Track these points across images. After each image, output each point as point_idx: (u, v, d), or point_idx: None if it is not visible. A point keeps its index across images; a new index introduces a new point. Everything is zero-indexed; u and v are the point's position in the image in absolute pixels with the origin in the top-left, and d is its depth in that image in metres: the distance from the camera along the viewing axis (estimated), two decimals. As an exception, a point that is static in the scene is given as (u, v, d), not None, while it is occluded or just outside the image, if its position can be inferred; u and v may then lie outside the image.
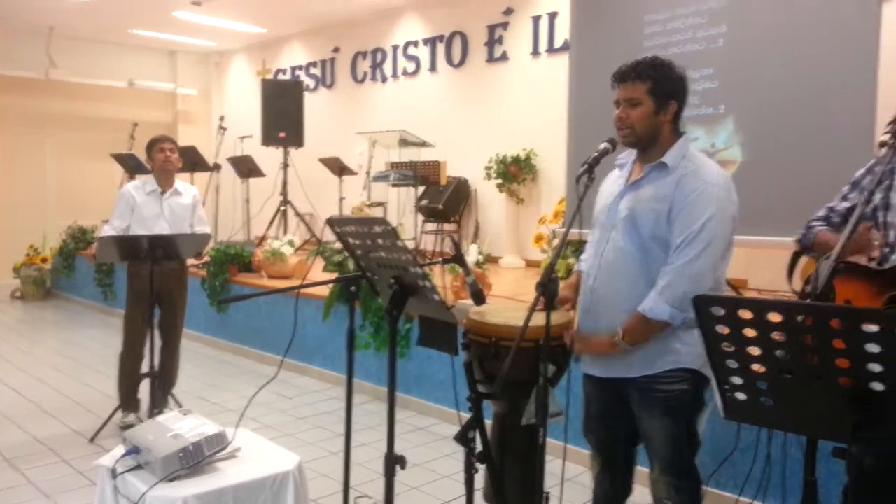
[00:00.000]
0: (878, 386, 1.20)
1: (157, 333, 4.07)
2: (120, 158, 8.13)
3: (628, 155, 2.41)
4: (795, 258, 2.33)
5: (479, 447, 2.42)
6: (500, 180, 7.14)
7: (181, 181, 4.43)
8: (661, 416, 2.25)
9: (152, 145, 4.29)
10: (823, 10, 3.97)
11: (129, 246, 3.93)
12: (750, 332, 1.22)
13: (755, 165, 4.28)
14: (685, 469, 2.35)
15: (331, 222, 2.06)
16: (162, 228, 4.20)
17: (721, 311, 1.22)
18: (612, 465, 2.51)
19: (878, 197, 2.05)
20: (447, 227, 7.68)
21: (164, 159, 4.23)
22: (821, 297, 1.55)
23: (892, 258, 2.02)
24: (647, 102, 2.22)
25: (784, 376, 1.27)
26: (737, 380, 1.32)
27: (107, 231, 4.23)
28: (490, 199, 7.58)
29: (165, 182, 4.30)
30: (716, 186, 2.20)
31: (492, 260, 6.70)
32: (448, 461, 3.74)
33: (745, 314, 1.21)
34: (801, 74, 4.06)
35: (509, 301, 4.76)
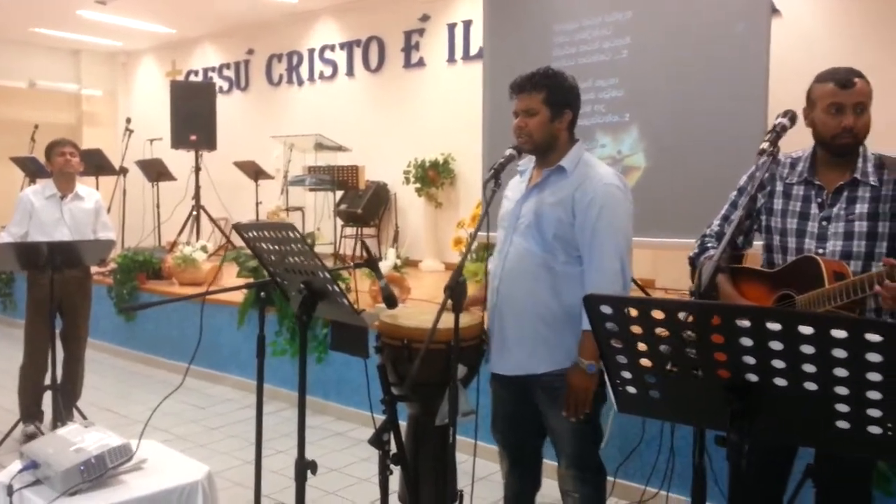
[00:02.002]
0: (752, 377, 1.30)
1: (59, 344, 3.91)
2: (20, 162, 7.72)
3: (528, 162, 2.51)
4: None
5: (393, 449, 2.45)
6: (418, 185, 7.19)
7: (83, 185, 4.28)
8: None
9: (52, 148, 4.13)
10: (720, 25, 4.21)
11: (27, 253, 3.75)
12: (636, 329, 1.30)
13: (658, 170, 4.48)
14: (590, 462, 2.46)
15: (238, 227, 2.05)
16: (63, 235, 4.03)
17: (609, 310, 1.30)
18: (519, 462, 2.59)
19: (760, 202, 2.20)
20: (366, 231, 7.66)
21: (64, 163, 4.08)
22: (704, 295, 1.66)
23: (778, 260, 2.17)
24: (543, 111, 2.32)
25: (669, 370, 1.35)
26: (627, 374, 1.40)
27: (3, 238, 4.02)
28: (409, 204, 7.62)
29: (66, 186, 4.14)
30: (613, 186, 2.33)
31: (411, 264, 6.72)
32: (365, 465, 3.75)
33: (632, 312, 1.28)
34: (699, 85, 4.28)
35: (427, 304, 4.80)
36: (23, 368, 4.12)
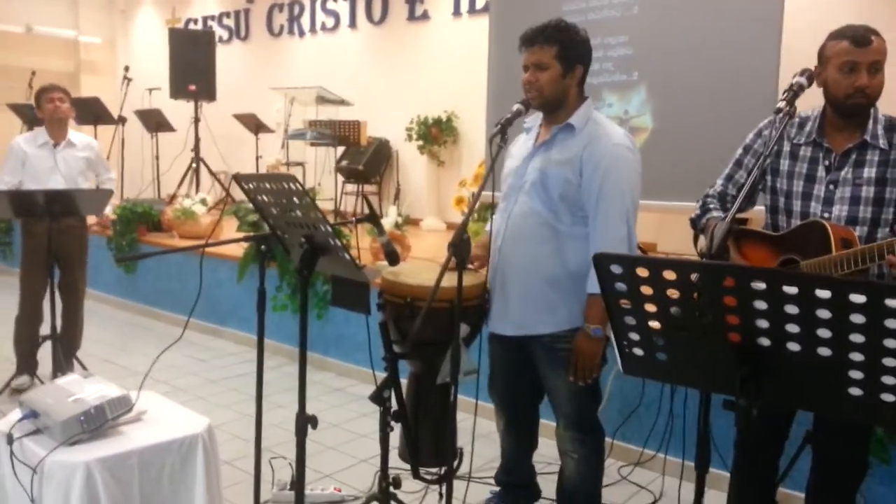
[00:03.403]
0: (764, 341, 1.27)
1: (57, 295, 3.89)
2: (17, 109, 7.60)
3: (535, 119, 2.45)
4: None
5: (394, 406, 2.45)
6: (421, 142, 7.10)
7: (77, 132, 4.21)
8: (565, 373, 2.33)
9: (41, 95, 4.05)
10: (734, -20, 4.09)
11: (23, 201, 3.70)
12: (646, 290, 1.27)
13: (666, 132, 4.40)
14: (589, 423, 2.46)
15: (238, 178, 2.00)
16: (56, 183, 3.98)
17: (619, 269, 1.27)
18: (516, 421, 2.60)
19: (767, 161, 2.15)
20: (368, 188, 7.60)
21: (54, 109, 4.00)
22: (715, 256, 1.62)
23: (782, 223, 2.13)
24: (555, 66, 2.25)
25: (679, 332, 1.32)
26: (634, 336, 1.37)
27: None
28: (411, 161, 7.53)
29: (58, 134, 4.07)
30: (622, 147, 2.27)
31: (413, 222, 6.67)
32: (366, 421, 3.77)
33: (642, 272, 1.25)
34: (710, 43, 4.17)
35: (428, 262, 4.78)
36: (17, 318, 4.12)
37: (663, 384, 3.08)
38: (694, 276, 1.25)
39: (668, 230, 5.32)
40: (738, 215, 2.26)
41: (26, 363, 4.09)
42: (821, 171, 2.06)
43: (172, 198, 7.16)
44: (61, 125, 4.08)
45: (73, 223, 4.05)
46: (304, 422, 2.13)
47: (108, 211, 4.72)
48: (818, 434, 2.14)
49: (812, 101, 2.13)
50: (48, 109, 4.01)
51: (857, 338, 1.16)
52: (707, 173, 2.36)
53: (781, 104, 1.89)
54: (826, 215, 2.02)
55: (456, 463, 2.57)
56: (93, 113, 6.99)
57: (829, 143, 2.06)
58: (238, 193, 7.63)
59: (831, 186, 2.03)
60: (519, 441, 2.62)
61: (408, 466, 2.56)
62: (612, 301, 1.34)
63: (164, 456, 2.17)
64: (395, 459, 2.57)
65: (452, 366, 2.06)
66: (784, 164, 2.13)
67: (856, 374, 1.21)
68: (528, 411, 2.61)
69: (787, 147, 2.13)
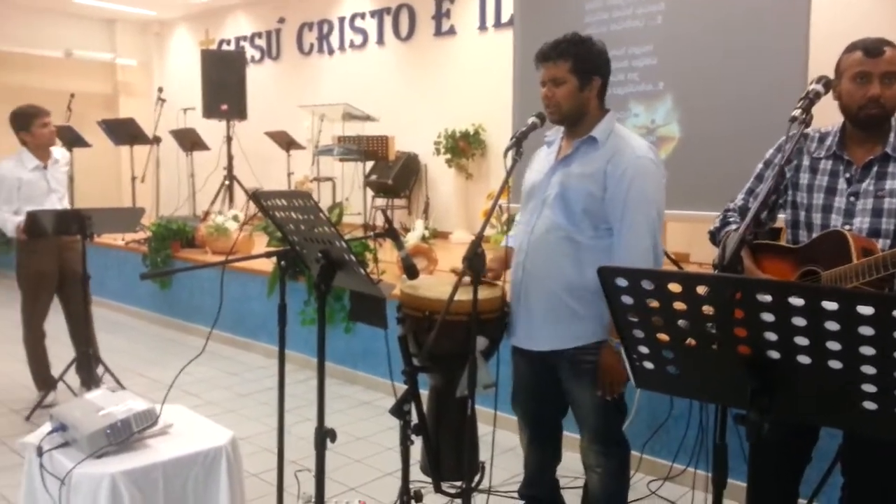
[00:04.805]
0: (774, 354, 1.25)
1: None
2: (57, 131, 7.84)
3: (556, 132, 2.44)
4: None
5: (414, 420, 2.45)
6: (448, 156, 7.13)
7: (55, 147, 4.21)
8: (590, 386, 2.31)
9: (32, 118, 3.93)
10: (759, -11, 4.05)
11: (62, 220, 3.76)
12: (653, 303, 1.26)
13: (693, 141, 4.36)
14: (613, 437, 2.43)
15: (255, 196, 2.04)
16: (52, 203, 4.02)
17: (624, 282, 1.26)
18: (539, 435, 2.58)
19: (787, 176, 2.12)
20: (397, 202, 7.66)
21: (51, 134, 4.02)
22: (727, 268, 1.60)
23: (803, 237, 2.10)
24: (571, 80, 2.25)
25: (687, 345, 1.31)
26: (644, 349, 1.36)
27: (3, 217, 3.93)
28: (440, 175, 7.58)
29: (45, 155, 4.06)
30: (646, 159, 2.25)
31: (441, 235, 6.72)
32: (392, 434, 3.74)
33: (647, 284, 1.24)
34: (736, 51, 4.13)
35: (448, 276, 4.79)
36: (28, 339, 4.09)
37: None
38: (702, 290, 1.23)
39: (701, 240, 5.24)
40: (759, 229, 2.24)
41: (45, 380, 4.11)
42: (841, 184, 2.03)
43: (206, 215, 7.30)
44: (49, 147, 4.07)
45: (76, 238, 3.95)
46: (324, 435, 2.14)
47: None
48: (848, 452, 2.08)
49: (834, 116, 2.10)
50: (45, 135, 3.97)
51: (867, 350, 1.13)
52: (737, 182, 2.33)
53: (797, 112, 1.86)
54: (847, 227, 1.98)
55: (478, 477, 2.56)
56: (128, 133, 7.17)
57: (849, 156, 2.03)
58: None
59: (852, 198, 2.00)
60: (542, 455, 2.60)
61: (430, 480, 2.55)
62: (620, 314, 1.33)
63: (188, 468, 2.22)
64: (418, 473, 2.57)
65: (469, 379, 2.06)
66: (804, 178, 2.10)
67: (869, 388, 1.18)
68: (551, 425, 2.59)
69: (806, 161, 2.11)
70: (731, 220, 2.21)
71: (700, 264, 5.19)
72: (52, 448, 2.17)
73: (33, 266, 4.03)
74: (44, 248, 3.93)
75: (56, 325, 4.26)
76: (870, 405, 1.21)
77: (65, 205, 4.18)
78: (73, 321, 4.14)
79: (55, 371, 4.16)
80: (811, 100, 1.89)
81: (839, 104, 2.02)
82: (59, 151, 4.22)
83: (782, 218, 2.24)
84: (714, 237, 2.21)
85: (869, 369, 1.16)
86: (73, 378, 4.16)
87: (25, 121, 3.94)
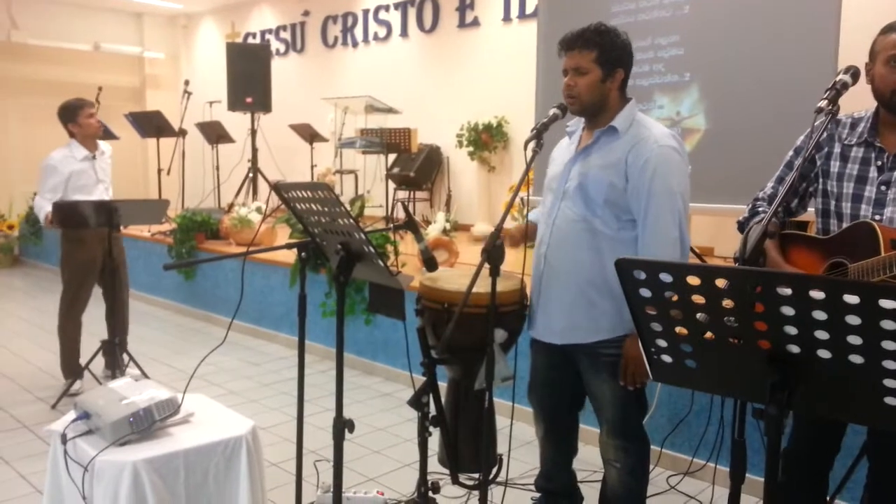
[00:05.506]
0: (794, 349, 1.23)
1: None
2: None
3: (577, 123, 2.42)
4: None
5: (432, 411, 2.46)
6: (471, 148, 7.11)
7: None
8: (610, 379, 2.29)
9: (78, 110, 4.11)
10: (788, -22, 3.97)
11: (102, 212, 3.82)
12: (672, 296, 1.24)
13: (720, 133, 4.30)
14: (633, 431, 2.41)
15: (276, 187, 2.05)
16: (101, 193, 4.14)
17: (643, 275, 1.24)
18: (554, 429, 2.56)
19: (817, 164, 2.07)
20: (419, 195, 7.66)
21: (97, 125, 4.15)
22: (749, 260, 1.57)
23: (833, 227, 2.05)
24: (595, 71, 2.22)
25: (706, 339, 1.29)
26: (662, 342, 1.34)
27: (42, 204, 4.04)
28: (462, 167, 7.56)
29: (93, 145, 4.21)
30: (668, 147, 2.21)
31: (463, 227, 6.71)
32: (411, 425, 3.78)
33: (666, 277, 1.22)
34: (764, 42, 4.06)
35: (467, 268, 4.78)
36: (64, 329, 4.20)
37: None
38: (721, 283, 1.21)
39: (727, 234, 5.18)
40: (796, 219, 2.19)
41: (73, 369, 4.19)
42: (872, 172, 1.97)
43: (230, 207, 7.37)
44: (96, 138, 4.23)
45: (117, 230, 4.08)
46: (342, 426, 2.15)
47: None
48: (873, 448, 2.05)
49: (866, 102, 2.05)
50: (91, 125, 4.13)
51: (889, 345, 1.11)
52: (764, 174, 2.29)
53: (823, 103, 1.82)
54: (877, 217, 1.93)
55: (495, 469, 2.56)
56: (154, 126, 7.26)
57: (881, 143, 1.97)
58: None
59: (883, 188, 1.94)
60: (558, 448, 2.58)
61: (448, 472, 2.56)
62: (638, 307, 1.32)
63: (209, 457, 2.24)
64: (435, 465, 2.57)
65: (487, 371, 2.05)
66: (834, 166, 2.05)
67: (891, 383, 1.16)
68: (566, 420, 2.58)
69: (837, 148, 2.05)
70: (759, 209, 2.16)
71: (724, 258, 5.12)
72: (76, 436, 2.20)
73: (80, 256, 4.15)
74: (91, 239, 4.02)
75: (85, 315, 4.33)
76: (892, 401, 1.18)
77: (111, 195, 4.29)
78: (114, 307, 4.21)
79: (82, 360, 4.24)
80: (838, 90, 1.85)
81: (872, 88, 1.96)
82: (104, 144, 4.35)
83: (812, 209, 2.20)
84: (743, 227, 2.17)
85: (891, 364, 1.14)
86: (97, 365, 4.23)
87: (73, 113, 4.12)
